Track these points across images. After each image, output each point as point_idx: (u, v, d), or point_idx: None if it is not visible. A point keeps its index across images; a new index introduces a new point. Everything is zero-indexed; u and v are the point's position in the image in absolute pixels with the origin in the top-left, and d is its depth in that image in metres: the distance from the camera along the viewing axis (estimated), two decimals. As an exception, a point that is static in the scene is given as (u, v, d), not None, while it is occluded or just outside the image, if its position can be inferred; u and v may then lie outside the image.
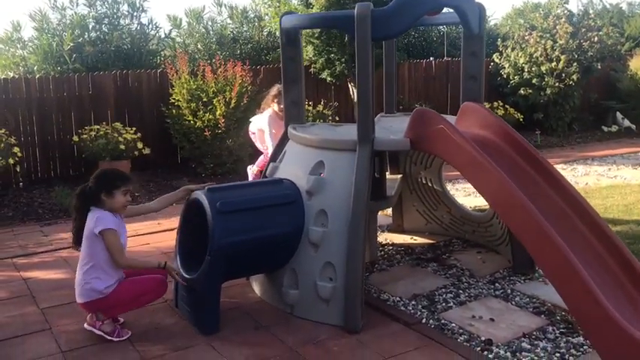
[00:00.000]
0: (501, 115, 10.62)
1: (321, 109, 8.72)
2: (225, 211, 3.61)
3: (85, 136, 7.53)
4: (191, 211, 3.89)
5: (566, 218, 3.37)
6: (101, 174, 3.62)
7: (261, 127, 6.07)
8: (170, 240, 5.51)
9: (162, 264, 3.64)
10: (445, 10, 3.91)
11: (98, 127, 7.67)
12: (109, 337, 3.55)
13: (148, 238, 5.67)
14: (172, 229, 5.87)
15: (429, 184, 5.21)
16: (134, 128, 7.89)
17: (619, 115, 12.30)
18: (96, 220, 3.47)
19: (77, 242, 3.61)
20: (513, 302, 3.95)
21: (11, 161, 6.94)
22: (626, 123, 12.20)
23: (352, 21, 3.58)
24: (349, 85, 9.41)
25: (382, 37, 3.76)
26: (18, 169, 7.38)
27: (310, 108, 9.00)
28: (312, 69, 9.32)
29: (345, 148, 3.83)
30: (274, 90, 5.99)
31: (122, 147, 7.40)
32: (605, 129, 11.96)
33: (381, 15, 3.56)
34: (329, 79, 9.27)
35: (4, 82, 7.62)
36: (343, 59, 8.82)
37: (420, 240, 5.24)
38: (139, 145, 7.64)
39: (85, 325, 3.66)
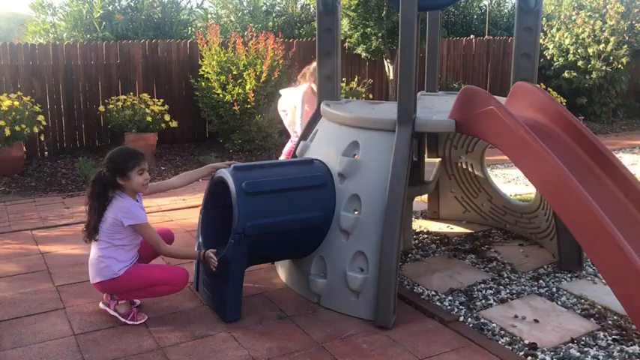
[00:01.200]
0: (543, 98, 10.14)
1: (354, 85, 8.38)
2: (252, 192, 3.34)
3: (111, 106, 7.34)
4: (216, 190, 3.64)
5: (628, 214, 3.03)
6: (111, 158, 3.33)
7: (294, 104, 5.77)
8: (194, 217, 5.29)
9: (202, 253, 3.37)
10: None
11: (125, 97, 7.47)
12: (123, 320, 3.34)
13: (172, 214, 5.47)
14: (197, 207, 5.63)
15: (470, 170, 4.88)
16: (162, 100, 7.67)
17: (667, 102, 11.70)
18: (125, 211, 3.24)
19: (92, 237, 3.34)
20: (559, 302, 3.63)
21: (36, 130, 6.79)
22: (675, 111, 11.60)
23: (397, -12, 3.24)
24: (385, 62, 9.03)
25: (431, 5, 3.41)
26: (42, 138, 7.24)
27: (343, 85, 8.67)
28: (346, 43, 8.97)
29: (382, 127, 3.52)
30: (315, 64, 5.63)
31: (149, 119, 7.20)
32: (652, 116, 11.39)
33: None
34: (364, 54, 8.91)
35: (31, 48, 7.45)
36: (380, 34, 8.44)
37: (456, 229, 4.92)
38: (167, 117, 7.43)
39: (100, 304, 3.47)
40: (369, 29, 8.41)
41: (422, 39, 8.67)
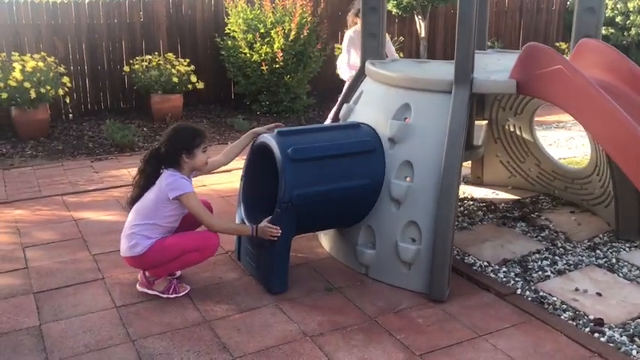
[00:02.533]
0: (579, 56, 9.74)
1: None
2: (298, 158, 3.15)
3: (136, 66, 7.12)
4: (258, 156, 3.46)
5: None
6: (178, 134, 3.16)
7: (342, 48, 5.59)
8: (228, 182, 5.15)
9: (255, 228, 3.15)
10: None
11: (150, 57, 7.24)
12: (165, 295, 3.21)
13: (204, 179, 5.28)
14: (230, 171, 5.49)
15: (518, 133, 4.63)
16: (187, 60, 7.43)
17: None
18: (172, 183, 3.08)
19: (132, 204, 3.21)
20: (620, 274, 3.43)
21: (61, 92, 6.61)
22: None
23: None
24: (416, 19, 8.67)
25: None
26: (68, 100, 7.06)
27: (373, 43, 8.35)
28: None
29: (437, 89, 3.28)
30: (357, 3, 5.34)
31: (175, 80, 6.98)
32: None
33: None
34: (394, 10, 8.54)
35: (53, 6, 7.20)
36: (412, -11, 8.06)
37: (502, 195, 4.71)
38: (193, 78, 7.20)
39: (138, 287, 3.29)
40: (400, -16, 8.05)
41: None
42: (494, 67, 3.74)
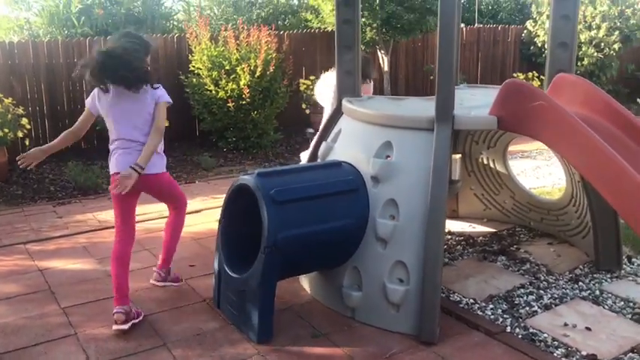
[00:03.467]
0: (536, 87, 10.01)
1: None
2: (281, 200, 3.06)
3: (98, 106, 6.93)
4: (237, 198, 3.34)
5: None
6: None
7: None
8: (200, 224, 5.00)
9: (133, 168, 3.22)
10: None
11: (112, 96, 7.06)
12: (177, 284, 3.77)
13: (173, 221, 5.14)
14: (200, 211, 5.36)
15: (491, 165, 4.65)
16: (151, 98, 7.28)
17: (655, 88, 11.68)
18: (164, 94, 3.49)
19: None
20: (606, 306, 3.43)
21: (20, 134, 6.36)
22: (664, 96, 11.58)
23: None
24: (379, 54, 8.76)
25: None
26: (27, 143, 6.80)
27: (338, 77, 8.39)
28: (339, 35, 8.68)
29: (419, 126, 3.26)
30: None
31: (139, 119, 6.80)
32: (641, 102, 11.34)
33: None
34: (357, 46, 8.61)
35: (10, 46, 6.99)
36: (375, 25, 8.15)
37: (479, 228, 4.70)
38: (157, 116, 7.04)
39: (152, 281, 3.79)
40: (363, 19, 8.11)
41: (413, 30, 8.45)
42: (472, 103, 3.75)
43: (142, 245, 4.55)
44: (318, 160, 3.81)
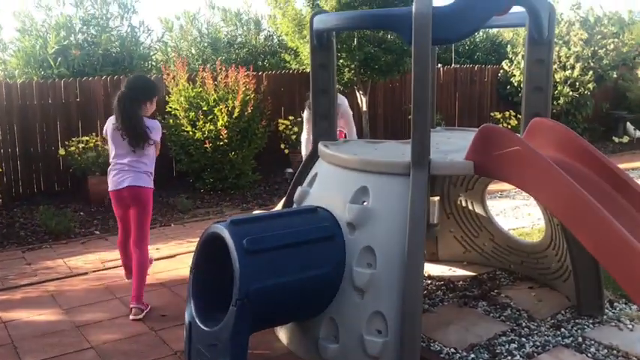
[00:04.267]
0: (514, 125, 10.12)
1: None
2: (254, 250, 2.96)
3: (72, 148, 6.82)
4: (208, 247, 3.23)
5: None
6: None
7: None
8: (173, 270, 4.86)
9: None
10: (513, 9, 3.33)
11: (87, 138, 6.96)
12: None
13: (146, 267, 4.99)
14: (173, 256, 5.22)
15: (470, 208, 4.60)
16: (127, 140, 7.17)
17: (630, 125, 11.85)
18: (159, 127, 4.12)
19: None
20: (589, 354, 3.34)
21: (-10, 176, 6.21)
22: (638, 134, 11.75)
23: (408, 20, 2.95)
24: (358, 94, 8.79)
25: (443, 40, 3.14)
26: (-3, 185, 6.65)
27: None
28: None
29: (395, 171, 3.20)
30: None
31: (114, 161, 6.68)
32: (617, 140, 11.48)
33: (445, 14, 2.94)
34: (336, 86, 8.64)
35: (-18, 87, 6.89)
36: (353, 65, 8.20)
37: (459, 272, 4.62)
38: (133, 158, 6.93)
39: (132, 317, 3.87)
40: (341, 61, 8.16)
41: (390, 71, 8.51)
42: (448, 147, 3.72)
43: (113, 293, 4.40)
44: (294, 206, 3.72)
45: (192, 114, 7.15)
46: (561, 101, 10.35)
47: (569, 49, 10.29)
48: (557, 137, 3.30)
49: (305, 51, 8.68)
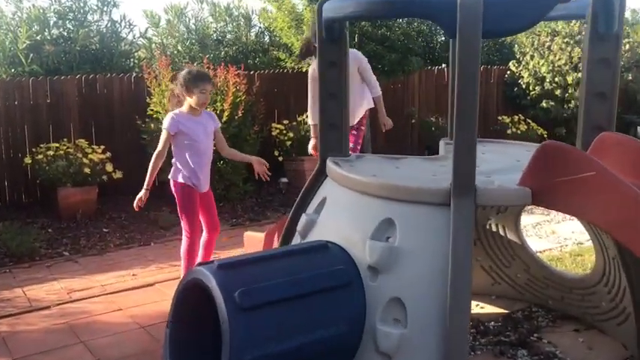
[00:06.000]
0: (523, 131, 9.48)
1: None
2: (249, 306, 2.25)
3: (40, 156, 6.06)
4: (190, 297, 2.52)
5: None
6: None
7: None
8: (149, 304, 4.15)
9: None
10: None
11: (57, 145, 6.21)
12: None
13: (119, 298, 4.26)
14: (152, 285, 4.51)
15: (501, 234, 3.92)
16: (102, 147, 6.44)
17: (640, 130, 11.29)
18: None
19: None
20: None
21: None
22: (649, 139, 11.17)
23: (452, 7, 2.26)
24: (358, 96, 8.08)
25: (496, 33, 2.43)
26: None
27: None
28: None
29: (430, 200, 2.50)
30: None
31: (87, 170, 5.95)
32: (628, 145, 10.90)
33: (500, 2, 2.26)
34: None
35: (-62, 86, 6.12)
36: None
37: (488, 308, 3.93)
38: (109, 167, 6.20)
39: None
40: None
41: (395, 71, 7.85)
42: (487, 165, 3.03)
43: (77, 335, 3.67)
44: (297, 237, 3.02)
45: (176, 118, 6.40)
46: (572, 105, 9.73)
47: (582, 48, 9.66)
48: (630, 155, 2.62)
49: (301, 48, 7.98)
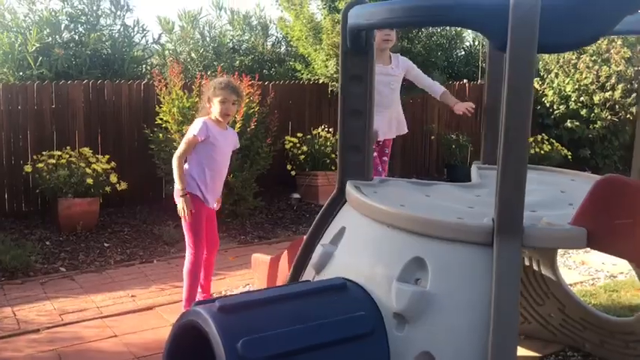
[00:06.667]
0: (547, 151, 9.08)
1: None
2: (254, 358, 1.90)
3: (40, 164, 5.76)
4: (183, 342, 2.19)
5: None
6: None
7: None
8: (146, 330, 3.82)
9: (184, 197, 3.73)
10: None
11: (60, 153, 5.91)
12: None
13: (115, 323, 3.93)
14: (150, 309, 4.17)
15: (535, 268, 3.55)
16: (107, 156, 6.15)
17: (668, 154, 10.85)
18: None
19: None
20: None
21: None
22: (677, 163, 10.73)
23: (502, 16, 1.92)
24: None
25: (553, 47, 2.07)
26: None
27: (330, 136, 7.36)
28: (332, 87, 7.70)
29: (468, 239, 2.15)
30: None
31: (89, 181, 5.65)
32: (654, 170, 10.47)
33: (559, 9, 1.92)
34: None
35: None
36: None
37: (520, 350, 3.55)
38: (113, 178, 5.90)
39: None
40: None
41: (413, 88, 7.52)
42: (529, 197, 2.66)
43: (66, 365, 3.34)
44: (310, 272, 2.67)
45: (185, 128, 6.09)
46: (598, 125, 9.33)
47: (610, 67, 9.28)
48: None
49: (318, 59, 7.68)
